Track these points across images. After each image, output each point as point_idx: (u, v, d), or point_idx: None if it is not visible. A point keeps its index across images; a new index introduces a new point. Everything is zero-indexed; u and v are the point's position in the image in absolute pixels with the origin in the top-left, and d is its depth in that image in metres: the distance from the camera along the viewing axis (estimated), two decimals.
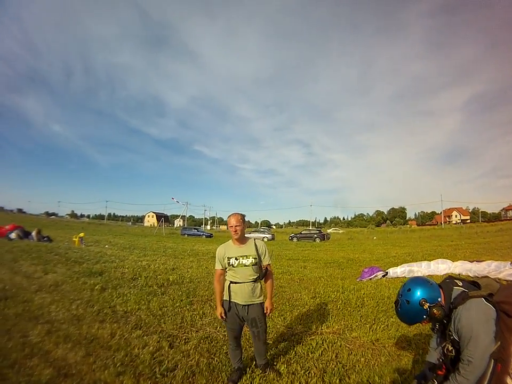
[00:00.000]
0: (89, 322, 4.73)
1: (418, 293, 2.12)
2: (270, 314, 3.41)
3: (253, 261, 3.14)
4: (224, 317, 3.17)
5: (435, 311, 2.08)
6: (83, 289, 6.72)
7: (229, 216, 3.20)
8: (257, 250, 3.22)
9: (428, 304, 2.09)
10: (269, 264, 3.30)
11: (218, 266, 3.22)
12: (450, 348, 2.13)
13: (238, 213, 3.20)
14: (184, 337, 4.32)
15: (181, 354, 3.73)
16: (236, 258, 3.12)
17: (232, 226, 3.13)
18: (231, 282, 3.15)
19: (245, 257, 3.13)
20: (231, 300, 3.14)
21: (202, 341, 4.18)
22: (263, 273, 3.24)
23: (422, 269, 8.70)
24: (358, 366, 3.47)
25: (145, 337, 4.25)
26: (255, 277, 3.16)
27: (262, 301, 3.23)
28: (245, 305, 3.12)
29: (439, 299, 2.13)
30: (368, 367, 3.43)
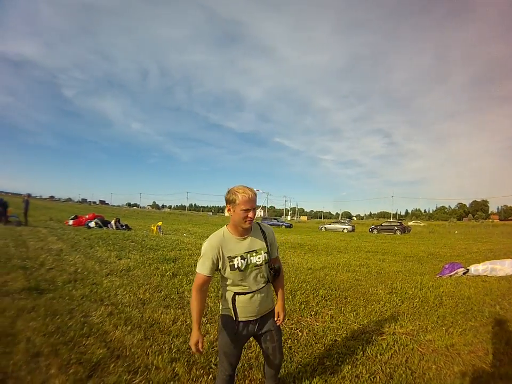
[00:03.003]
0: (154, 306, 5.06)
1: None
2: (282, 323, 2.68)
3: (266, 257, 2.39)
4: (201, 350, 2.26)
5: None
6: (154, 275, 7.28)
7: (240, 191, 2.21)
8: (265, 238, 2.44)
9: None
10: (277, 257, 2.58)
11: (203, 270, 2.23)
12: None
13: (253, 189, 2.29)
14: None
15: None
16: (243, 257, 2.28)
17: (246, 210, 2.20)
18: (237, 293, 2.33)
19: (254, 254, 2.33)
20: (239, 319, 2.35)
21: None
22: (277, 269, 2.46)
23: (505, 267, 8.74)
24: (428, 374, 3.34)
25: (208, 325, 4.41)
26: (268, 279, 2.45)
27: (274, 306, 2.59)
28: (258, 318, 2.43)
29: None
30: (439, 377, 3.30)
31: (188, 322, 4.42)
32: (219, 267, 2.25)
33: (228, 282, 2.32)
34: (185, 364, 3.29)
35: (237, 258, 2.25)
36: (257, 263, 2.33)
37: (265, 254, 2.38)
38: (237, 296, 2.31)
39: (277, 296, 2.60)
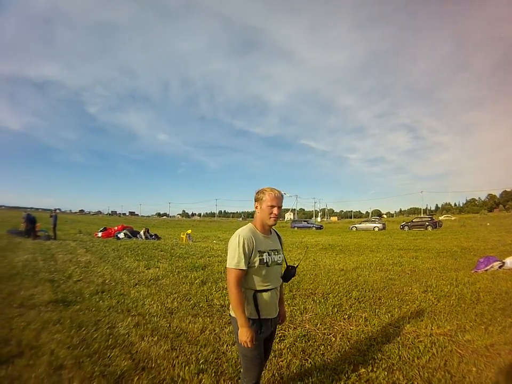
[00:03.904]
0: (182, 316, 4.97)
1: None
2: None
3: (283, 258, 2.55)
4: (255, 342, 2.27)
5: None
6: (182, 283, 7.23)
7: (267, 190, 2.39)
8: (280, 242, 2.62)
9: None
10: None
11: (240, 264, 2.22)
12: None
13: (280, 190, 2.45)
14: (280, 334, 4.26)
15: (273, 353, 3.62)
16: (269, 254, 2.38)
17: (274, 207, 2.35)
18: (258, 291, 2.34)
19: (276, 253, 2.45)
20: (262, 317, 2.34)
21: (298, 339, 4.13)
22: (292, 273, 2.58)
23: None
24: (469, 377, 3.20)
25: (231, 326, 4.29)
26: (281, 280, 2.56)
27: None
28: (273, 318, 2.47)
29: None
30: (480, 381, 3.15)
31: (216, 331, 4.31)
32: (250, 261, 2.28)
33: (250, 279, 2.33)
34: (213, 375, 3.17)
35: (265, 253, 2.35)
36: (278, 261, 2.46)
37: (282, 255, 2.54)
38: (258, 294, 2.33)
39: (280, 298, 2.63)
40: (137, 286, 6.96)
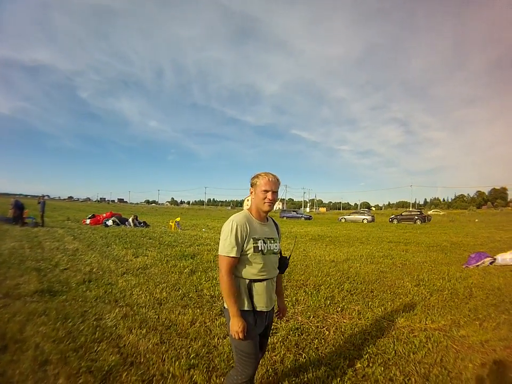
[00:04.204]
0: (171, 306, 4.84)
1: None
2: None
3: (279, 247, 2.42)
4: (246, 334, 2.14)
5: None
6: (171, 272, 7.11)
7: (262, 174, 2.29)
8: (277, 231, 2.49)
9: None
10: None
11: (232, 251, 2.10)
12: None
13: (275, 174, 2.33)
14: (273, 327, 4.10)
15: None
16: (264, 241, 2.24)
17: (267, 191, 2.23)
18: (252, 280, 2.21)
19: (272, 241, 2.32)
20: (257, 309, 2.22)
21: (291, 332, 4.06)
22: (286, 264, 2.48)
23: None
24: (465, 374, 3.17)
25: (223, 318, 4.24)
26: (277, 271, 2.44)
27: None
28: (268, 311, 2.32)
29: None
30: (477, 378, 3.13)
31: (207, 324, 4.20)
32: (243, 248, 2.16)
33: (244, 268, 2.21)
34: (204, 370, 3.05)
35: (260, 240, 2.22)
36: (275, 250, 2.33)
37: (279, 243, 2.42)
38: (253, 283, 2.21)
39: (278, 289, 2.56)
40: (125, 275, 6.80)
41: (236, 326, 2.07)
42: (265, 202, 2.24)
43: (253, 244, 2.17)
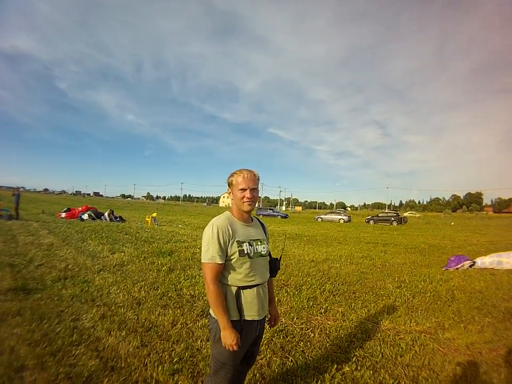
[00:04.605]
0: (150, 306, 4.69)
1: None
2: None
3: (267, 249, 2.24)
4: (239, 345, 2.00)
5: None
6: (149, 270, 6.93)
7: (236, 172, 2.13)
8: (265, 231, 2.34)
9: None
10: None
11: (216, 258, 1.95)
12: None
13: (253, 170, 2.18)
14: None
15: None
16: (250, 244, 2.08)
17: (244, 190, 2.08)
18: (241, 288, 2.05)
19: (259, 243, 2.16)
20: (245, 318, 2.06)
21: (276, 334, 3.98)
22: (277, 266, 2.31)
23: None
24: (454, 376, 3.20)
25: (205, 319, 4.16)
26: (268, 274, 2.27)
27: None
28: (260, 320, 2.15)
29: None
30: (466, 380, 3.14)
31: (188, 325, 4.07)
32: (227, 253, 2.00)
33: (231, 274, 2.05)
34: (189, 375, 2.93)
35: (245, 243, 2.05)
36: (262, 252, 2.16)
37: (267, 245, 2.25)
38: (241, 291, 2.04)
39: (270, 295, 2.37)
40: (101, 272, 6.58)
41: (229, 339, 1.92)
42: (244, 202, 2.08)
43: (238, 247, 2.01)
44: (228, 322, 1.93)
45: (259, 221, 2.36)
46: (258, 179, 2.17)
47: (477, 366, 3.39)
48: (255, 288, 2.08)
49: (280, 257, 2.40)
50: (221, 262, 1.96)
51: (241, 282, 2.04)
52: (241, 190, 2.07)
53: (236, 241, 2.02)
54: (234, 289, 2.04)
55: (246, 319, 2.05)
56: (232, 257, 2.00)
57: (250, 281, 2.05)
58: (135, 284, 5.83)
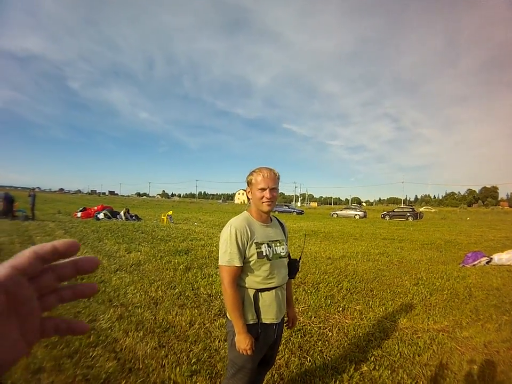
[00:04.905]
0: (168, 306, 4.68)
1: None
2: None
3: (287, 250, 2.18)
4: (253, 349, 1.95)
5: None
6: (166, 269, 6.92)
7: (256, 171, 2.05)
8: (284, 231, 2.26)
9: None
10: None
11: (234, 260, 1.90)
12: None
13: (273, 169, 2.09)
14: None
15: None
16: (269, 245, 2.01)
17: (264, 190, 2.00)
18: (259, 290, 1.99)
19: (278, 244, 2.09)
20: (262, 321, 1.99)
21: (294, 334, 3.93)
22: (296, 267, 2.24)
23: None
24: (472, 376, 3.17)
25: (223, 319, 4.14)
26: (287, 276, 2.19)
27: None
28: (278, 323, 2.09)
29: None
30: (483, 380, 3.11)
31: (206, 325, 4.05)
32: (245, 255, 1.94)
33: (249, 277, 1.98)
34: (207, 377, 2.91)
35: (264, 245, 1.98)
36: (282, 254, 2.09)
37: (286, 246, 2.18)
38: (259, 293, 1.97)
39: (288, 296, 2.29)
40: (118, 272, 6.60)
41: (243, 343, 1.87)
42: (263, 202, 2.01)
43: (256, 249, 1.95)
44: (243, 327, 1.88)
45: (278, 221, 2.29)
46: (278, 178, 2.09)
47: (494, 365, 3.37)
48: (273, 290, 2.01)
49: (300, 258, 2.31)
50: (239, 265, 1.90)
51: (260, 285, 1.98)
52: (260, 189, 2.00)
53: (255, 242, 1.95)
54: (252, 291, 1.98)
55: (264, 322, 1.99)
56: (250, 259, 1.94)
57: (269, 283, 1.99)
58: (152, 283, 5.82)
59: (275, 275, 2.02)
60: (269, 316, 2.00)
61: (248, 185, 2.10)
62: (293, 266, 2.22)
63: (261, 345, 2.00)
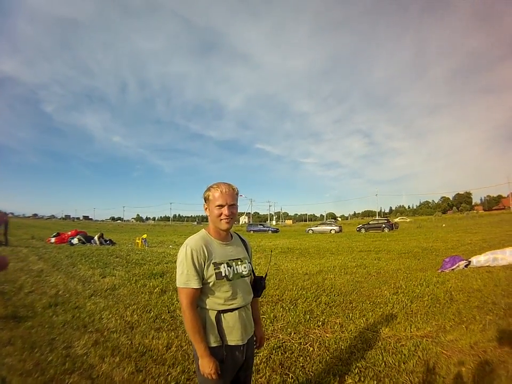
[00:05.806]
0: (144, 330, 4.56)
1: None
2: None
3: (250, 268, 2.07)
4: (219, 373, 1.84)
5: None
6: (141, 293, 6.76)
7: (213, 187, 1.96)
8: (246, 248, 2.16)
9: None
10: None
11: (192, 282, 1.81)
12: None
13: (231, 184, 2.01)
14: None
15: None
16: (229, 265, 1.92)
17: (222, 206, 1.91)
18: (222, 311, 1.90)
19: (239, 262, 2.00)
20: (227, 343, 1.91)
21: (274, 351, 3.87)
22: (261, 285, 2.15)
23: (507, 256, 8.82)
24: (460, 378, 3.16)
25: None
26: (252, 295, 2.11)
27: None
28: (245, 344, 1.99)
29: None
30: (473, 381, 3.10)
31: (184, 348, 3.94)
32: (204, 276, 1.84)
33: (209, 299, 1.88)
34: None
35: (223, 265, 1.88)
36: (243, 273, 1.98)
37: (249, 264, 2.07)
38: (222, 315, 1.88)
39: (255, 316, 2.19)
40: (93, 297, 6.41)
41: (207, 367, 1.78)
42: (222, 219, 1.90)
43: (214, 269, 1.85)
44: (205, 350, 1.80)
45: (240, 238, 2.19)
46: (237, 194, 2.01)
47: (483, 365, 3.36)
48: (236, 311, 1.93)
49: (266, 275, 2.22)
50: (197, 287, 1.81)
51: (221, 306, 1.89)
52: (218, 206, 1.90)
53: (213, 263, 1.86)
54: (213, 313, 1.89)
55: (228, 344, 1.90)
56: (209, 281, 1.85)
57: (231, 304, 1.91)
58: (127, 307, 5.67)
59: (237, 295, 1.93)
60: (233, 337, 1.91)
61: (205, 202, 2.00)
62: (258, 285, 2.14)
63: (229, 368, 1.91)
